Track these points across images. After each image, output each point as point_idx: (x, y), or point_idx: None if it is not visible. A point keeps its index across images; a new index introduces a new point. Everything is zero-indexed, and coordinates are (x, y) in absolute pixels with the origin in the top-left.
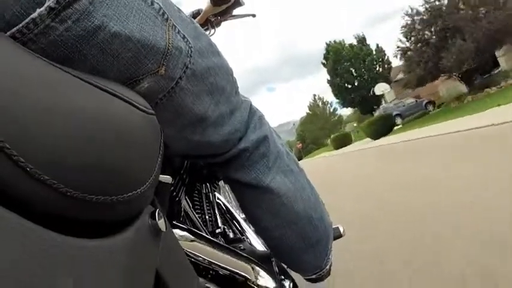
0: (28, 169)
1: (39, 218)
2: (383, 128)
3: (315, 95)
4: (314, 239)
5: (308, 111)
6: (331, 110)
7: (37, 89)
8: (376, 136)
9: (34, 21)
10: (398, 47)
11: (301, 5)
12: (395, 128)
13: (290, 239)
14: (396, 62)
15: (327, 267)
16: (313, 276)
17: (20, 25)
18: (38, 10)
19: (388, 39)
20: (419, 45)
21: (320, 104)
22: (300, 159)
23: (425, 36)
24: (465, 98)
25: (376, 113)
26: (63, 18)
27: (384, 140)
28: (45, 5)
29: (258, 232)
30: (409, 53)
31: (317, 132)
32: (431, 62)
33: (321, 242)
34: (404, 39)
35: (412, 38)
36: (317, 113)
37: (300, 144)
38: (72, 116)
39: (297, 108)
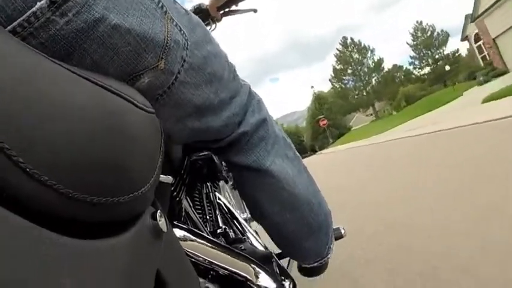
0: (28, 170)
1: (39, 219)
2: None
3: (345, 38)
4: (315, 226)
5: (335, 64)
6: (375, 58)
7: (37, 88)
8: None
9: (35, 14)
10: None
11: None
12: None
13: (291, 225)
14: None
15: (328, 256)
16: (315, 264)
17: (21, 18)
18: (39, 3)
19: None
20: None
21: (355, 49)
22: (312, 151)
23: None
24: None
25: None
26: (64, 11)
27: None
28: None
29: (259, 219)
30: None
31: (351, 101)
32: None
33: (322, 228)
34: None
35: None
36: (350, 64)
37: (325, 121)
38: (73, 115)
39: (302, 97)
